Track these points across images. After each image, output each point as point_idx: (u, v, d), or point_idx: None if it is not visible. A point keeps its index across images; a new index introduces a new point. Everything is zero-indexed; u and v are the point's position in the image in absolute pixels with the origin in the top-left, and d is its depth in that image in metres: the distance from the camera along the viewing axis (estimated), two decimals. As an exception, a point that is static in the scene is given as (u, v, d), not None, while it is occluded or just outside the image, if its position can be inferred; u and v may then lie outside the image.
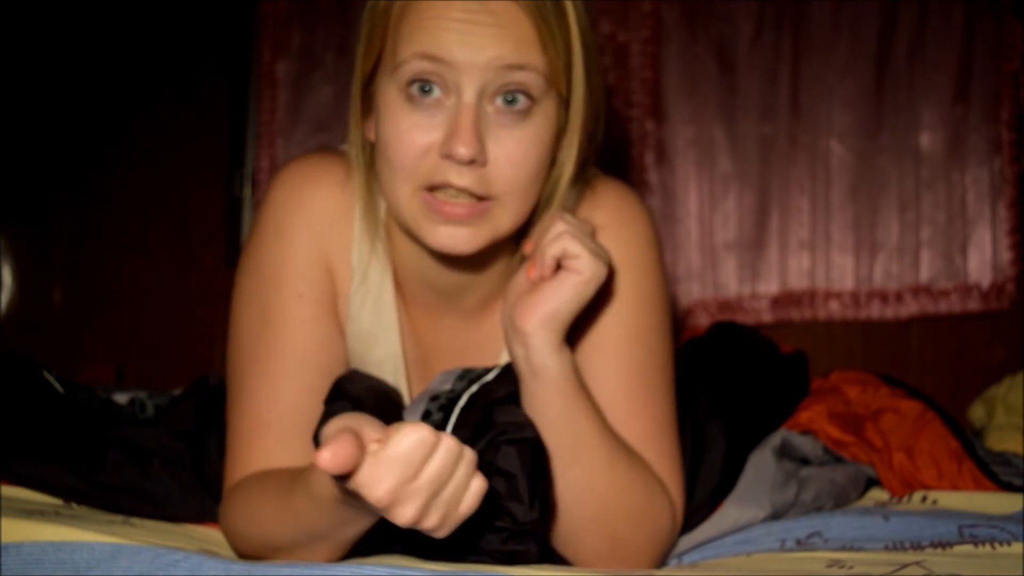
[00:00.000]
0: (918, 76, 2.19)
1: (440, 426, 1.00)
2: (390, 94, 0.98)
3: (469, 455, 0.79)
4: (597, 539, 1.00)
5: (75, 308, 2.38)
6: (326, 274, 1.08)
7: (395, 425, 0.77)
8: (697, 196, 2.26)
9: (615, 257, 1.08)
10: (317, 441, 1.02)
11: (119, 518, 1.14)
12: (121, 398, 1.50)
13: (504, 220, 0.99)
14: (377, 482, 0.75)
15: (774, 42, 2.23)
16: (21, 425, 1.24)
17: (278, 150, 2.32)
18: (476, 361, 1.13)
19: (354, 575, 0.85)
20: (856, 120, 2.21)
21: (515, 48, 0.95)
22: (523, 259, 1.08)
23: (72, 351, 2.32)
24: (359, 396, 1.05)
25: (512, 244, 1.10)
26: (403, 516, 0.77)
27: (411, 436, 0.75)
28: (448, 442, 0.77)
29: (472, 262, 1.07)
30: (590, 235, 1.02)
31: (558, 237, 0.99)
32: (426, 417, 1.02)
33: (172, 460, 1.23)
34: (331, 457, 0.73)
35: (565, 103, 1.02)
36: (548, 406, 0.99)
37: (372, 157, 1.05)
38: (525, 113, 0.97)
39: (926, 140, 2.20)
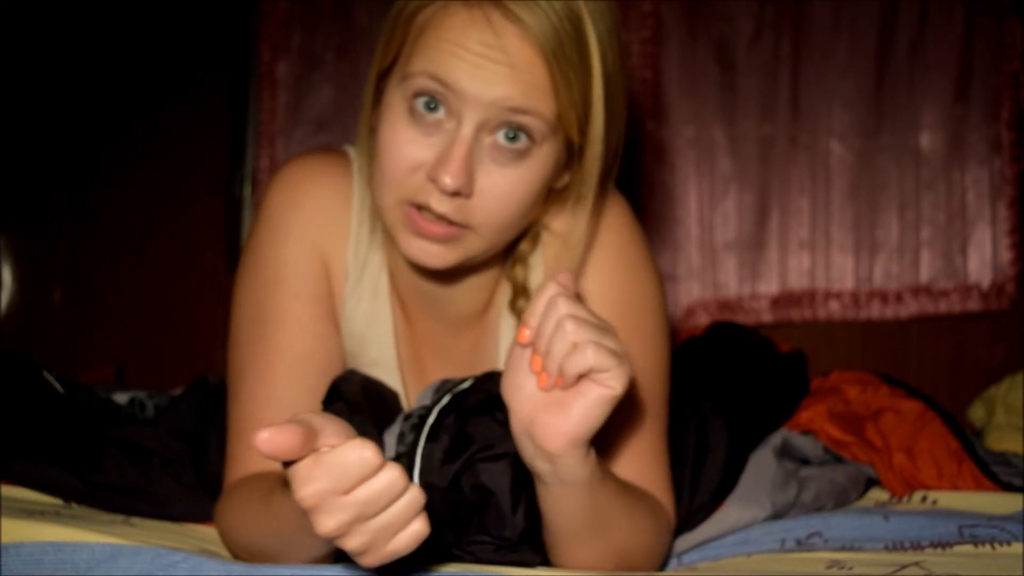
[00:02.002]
0: (918, 76, 2.19)
1: (413, 445, 1.00)
2: (395, 99, 0.98)
3: (414, 496, 0.74)
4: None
5: (75, 308, 2.38)
6: (323, 273, 1.08)
7: (357, 439, 0.74)
8: (697, 196, 2.26)
9: (600, 265, 1.07)
10: None
11: (119, 518, 1.14)
12: (121, 398, 1.50)
13: (477, 248, 0.99)
14: (307, 481, 0.72)
15: (774, 42, 2.23)
16: (21, 425, 1.24)
17: (278, 150, 2.32)
18: (470, 366, 1.13)
19: (354, 575, 0.85)
20: (856, 120, 2.21)
21: (524, 92, 0.94)
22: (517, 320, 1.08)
23: (72, 351, 2.32)
24: (356, 397, 1.05)
25: (497, 260, 1.10)
26: (323, 525, 0.73)
27: (354, 452, 0.72)
28: (392, 473, 0.73)
29: (449, 275, 1.08)
30: (588, 314, 0.85)
31: (580, 351, 0.82)
32: (401, 439, 1.02)
33: (172, 460, 1.23)
34: (267, 439, 0.70)
35: (579, 150, 1.01)
36: (576, 504, 0.92)
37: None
38: (523, 153, 0.96)
39: (926, 140, 2.20)
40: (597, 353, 0.82)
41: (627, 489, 1.00)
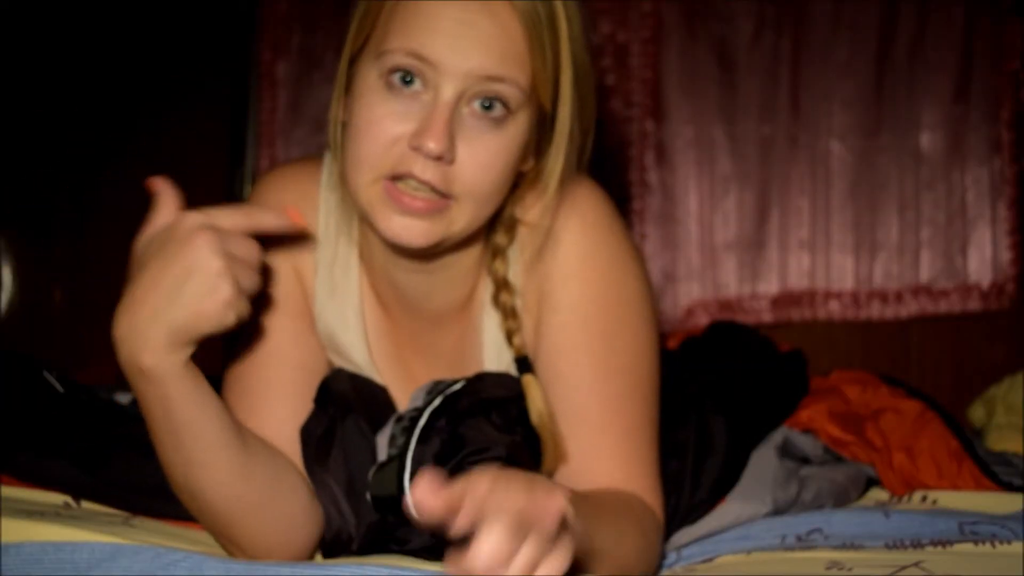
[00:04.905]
0: (918, 76, 2.19)
1: (404, 448, 1.00)
2: (370, 79, 0.99)
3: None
4: None
5: (75, 308, 2.38)
6: (292, 274, 1.09)
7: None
8: (697, 196, 2.26)
9: (575, 262, 1.07)
10: (304, 437, 1.03)
11: (119, 518, 1.14)
12: (123, 398, 1.50)
13: (459, 220, 0.99)
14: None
15: (774, 42, 2.23)
16: (24, 423, 1.24)
17: (278, 150, 2.32)
18: (455, 363, 1.12)
19: (354, 575, 0.85)
20: (856, 120, 2.21)
21: (500, 60, 0.96)
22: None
23: (72, 351, 2.32)
24: (347, 396, 1.06)
25: (475, 249, 1.10)
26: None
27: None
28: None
29: (428, 260, 1.07)
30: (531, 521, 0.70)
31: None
32: (392, 441, 1.03)
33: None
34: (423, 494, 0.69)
35: (551, 117, 1.02)
36: None
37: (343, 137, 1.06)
38: (500, 121, 0.97)
39: (926, 140, 2.20)
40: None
41: (612, 515, 0.97)
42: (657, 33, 2.26)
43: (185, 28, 2.36)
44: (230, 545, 0.99)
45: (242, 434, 0.96)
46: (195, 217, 0.89)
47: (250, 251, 0.90)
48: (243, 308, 0.88)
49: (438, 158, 0.95)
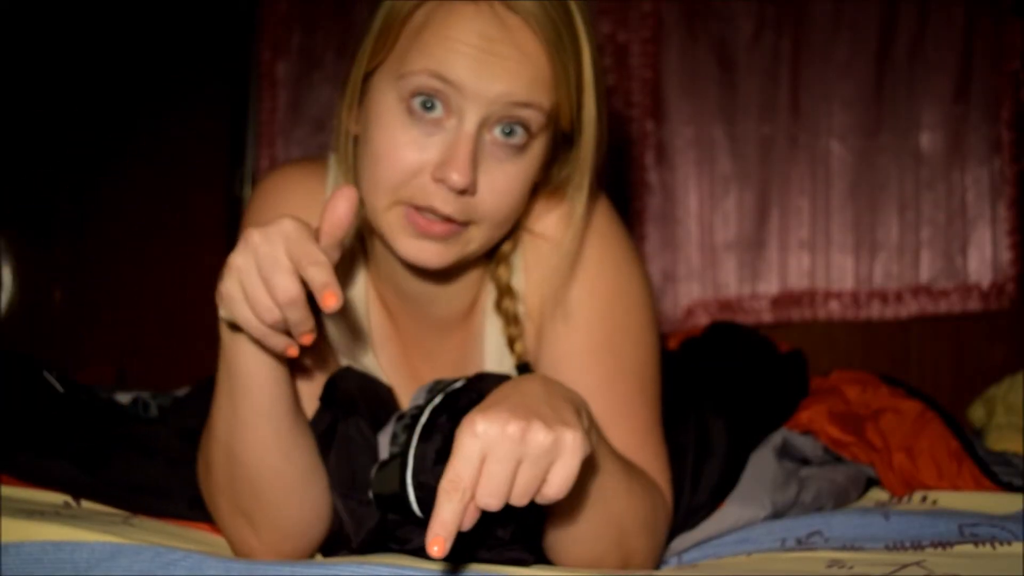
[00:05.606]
0: (918, 76, 2.19)
1: (406, 445, 1.00)
2: (389, 100, 0.97)
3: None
4: (615, 557, 1.00)
5: (75, 308, 2.38)
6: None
7: None
8: (697, 196, 2.26)
9: (587, 267, 1.07)
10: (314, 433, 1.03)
11: (119, 518, 1.13)
12: (123, 398, 1.50)
13: (476, 242, 1.00)
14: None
15: (774, 42, 2.23)
16: (24, 423, 1.24)
17: (278, 150, 2.32)
18: (458, 367, 1.13)
19: (354, 575, 0.85)
20: (856, 120, 2.21)
21: (527, 86, 0.94)
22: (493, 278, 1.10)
23: (72, 351, 2.32)
24: (353, 396, 1.06)
25: (481, 261, 1.10)
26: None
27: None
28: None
29: (439, 275, 1.08)
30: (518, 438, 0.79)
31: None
32: (394, 439, 1.03)
33: (177, 460, 1.23)
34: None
35: (573, 140, 1.02)
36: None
37: (355, 150, 1.05)
38: (520, 148, 0.97)
39: (926, 140, 2.20)
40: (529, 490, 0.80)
41: (624, 460, 1.00)
42: (657, 33, 2.26)
43: (185, 28, 2.36)
44: (244, 526, 0.98)
45: (297, 418, 0.97)
46: (282, 224, 0.84)
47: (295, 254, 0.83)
48: (237, 312, 0.84)
49: (462, 191, 0.95)
